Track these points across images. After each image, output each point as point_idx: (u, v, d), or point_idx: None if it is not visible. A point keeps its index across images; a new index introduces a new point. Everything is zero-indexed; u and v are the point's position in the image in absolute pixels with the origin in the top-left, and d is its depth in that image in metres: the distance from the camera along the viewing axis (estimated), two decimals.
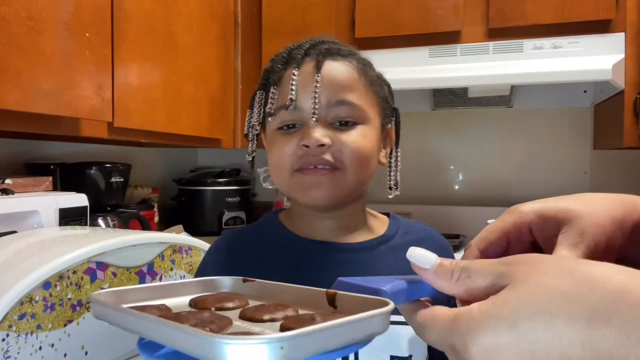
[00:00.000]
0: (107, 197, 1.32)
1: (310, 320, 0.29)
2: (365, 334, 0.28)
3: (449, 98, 1.75)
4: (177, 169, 2.01)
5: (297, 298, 0.36)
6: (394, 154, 0.68)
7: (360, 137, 0.59)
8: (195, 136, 1.45)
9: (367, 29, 1.56)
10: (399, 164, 0.67)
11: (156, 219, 1.64)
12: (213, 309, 0.35)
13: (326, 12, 1.60)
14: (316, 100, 0.57)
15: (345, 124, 0.59)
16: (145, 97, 1.20)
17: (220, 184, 1.85)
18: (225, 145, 1.63)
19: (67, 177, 1.23)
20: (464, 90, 1.63)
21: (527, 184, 1.78)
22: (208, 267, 0.68)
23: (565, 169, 1.75)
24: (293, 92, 0.58)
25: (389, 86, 0.68)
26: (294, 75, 0.59)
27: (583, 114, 1.73)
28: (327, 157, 0.57)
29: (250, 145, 0.65)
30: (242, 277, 0.42)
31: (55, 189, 1.09)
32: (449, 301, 0.32)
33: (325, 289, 0.35)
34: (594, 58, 1.34)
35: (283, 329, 0.30)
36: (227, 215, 1.83)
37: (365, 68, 0.63)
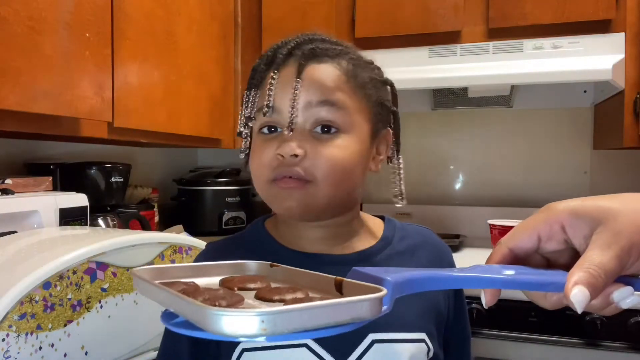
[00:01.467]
0: (107, 197, 1.32)
1: (308, 300, 0.32)
2: (350, 317, 0.30)
3: (449, 98, 1.75)
4: (177, 169, 2.01)
5: (310, 283, 0.39)
6: (395, 161, 0.63)
7: (339, 149, 0.55)
8: (195, 136, 1.44)
9: (367, 29, 1.56)
10: (401, 172, 0.62)
11: (156, 219, 1.64)
12: (236, 288, 0.39)
13: (326, 12, 1.60)
14: (293, 109, 0.54)
15: (327, 131, 0.55)
16: (145, 97, 1.20)
17: (220, 184, 1.85)
18: (225, 145, 1.63)
19: (67, 177, 1.23)
20: (464, 90, 1.63)
21: (527, 184, 1.78)
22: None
23: (565, 169, 1.75)
24: (270, 98, 0.56)
25: (392, 86, 0.63)
26: (273, 78, 0.56)
27: (583, 114, 1.73)
28: (299, 169, 0.54)
29: (243, 143, 0.62)
30: (269, 262, 0.45)
31: (55, 189, 1.09)
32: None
33: (334, 276, 0.37)
34: (594, 58, 1.34)
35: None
36: (227, 215, 1.83)
37: (356, 70, 0.58)
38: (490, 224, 1.49)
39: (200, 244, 0.84)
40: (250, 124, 0.59)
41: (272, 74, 0.57)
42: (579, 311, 0.32)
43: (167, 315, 0.35)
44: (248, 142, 0.61)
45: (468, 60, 1.45)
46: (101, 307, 0.67)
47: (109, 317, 0.68)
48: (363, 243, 0.62)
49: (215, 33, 1.52)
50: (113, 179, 1.32)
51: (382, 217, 0.68)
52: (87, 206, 0.98)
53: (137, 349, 0.74)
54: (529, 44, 1.40)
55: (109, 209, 1.32)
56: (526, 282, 0.35)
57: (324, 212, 0.58)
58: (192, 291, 0.35)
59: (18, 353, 0.57)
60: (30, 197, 0.91)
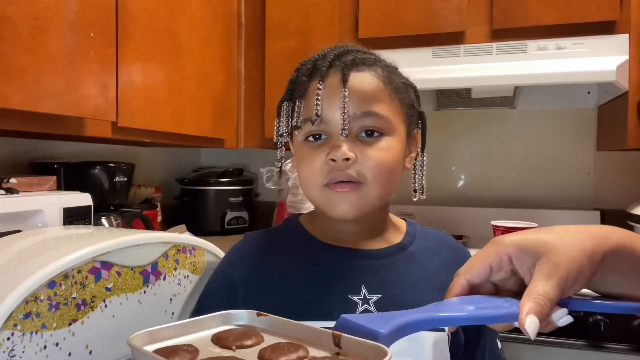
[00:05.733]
0: (111, 197, 1.32)
1: None
2: None
3: (452, 99, 1.75)
4: (180, 168, 2.01)
5: (306, 337, 0.41)
6: (419, 158, 0.68)
7: (384, 152, 0.60)
8: (199, 136, 1.45)
9: (370, 30, 1.56)
10: (424, 167, 0.68)
11: (159, 218, 1.65)
12: (234, 347, 0.40)
13: (329, 13, 1.60)
14: (345, 116, 0.58)
15: (370, 135, 0.60)
16: (149, 97, 1.20)
17: (223, 183, 1.85)
18: (228, 145, 1.63)
19: (70, 176, 1.23)
20: (468, 91, 1.63)
21: (530, 185, 1.78)
22: (229, 268, 0.68)
23: (568, 170, 1.74)
24: (318, 107, 0.59)
25: (415, 89, 0.68)
26: (319, 89, 0.59)
27: (586, 115, 1.73)
28: (351, 171, 0.59)
29: (278, 152, 0.66)
30: (256, 312, 0.46)
31: (59, 188, 1.10)
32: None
33: (331, 331, 0.39)
34: (598, 59, 1.34)
35: None
36: (229, 215, 1.83)
37: (391, 76, 0.63)
38: (493, 225, 1.48)
39: (204, 243, 0.84)
40: (296, 132, 0.63)
41: (318, 85, 0.60)
42: (532, 337, 0.37)
43: None
44: (283, 151, 0.65)
45: (471, 61, 1.45)
46: (105, 306, 0.67)
47: (113, 316, 0.68)
48: (392, 238, 0.67)
49: (219, 33, 1.52)
50: (117, 179, 1.32)
51: (403, 219, 0.72)
52: (91, 205, 0.98)
53: None
54: (532, 45, 1.40)
55: (112, 208, 1.32)
56: (490, 317, 0.41)
57: (372, 211, 0.62)
58: None
59: (23, 352, 0.58)
60: (35, 196, 0.91)
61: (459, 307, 0.42)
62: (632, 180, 1.67)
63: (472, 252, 0.65)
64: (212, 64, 1.49)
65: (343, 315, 0.40)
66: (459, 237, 1.62)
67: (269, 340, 0.41)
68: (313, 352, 0.38)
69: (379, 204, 0.63)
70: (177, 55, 1.31)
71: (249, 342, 0.41)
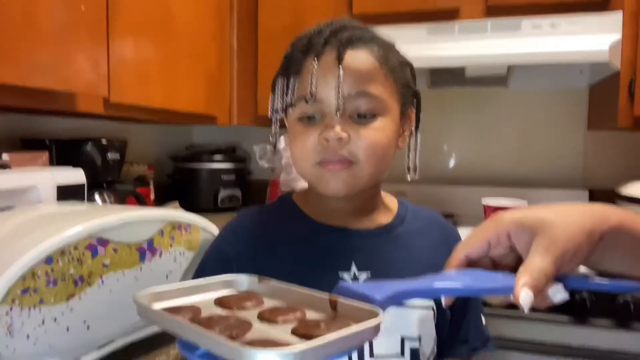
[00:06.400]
0: (103, 174, 1.31)
1: (316, 327, 0.36)
2: (359, 341, 0.35)
3: (445, 77, 1.74)
4: (173, 146, 2.00)
5: (304, 300, 0.42)
6: (413, 137, 0.68)
7: (377, 132, 0.60)
8: (191, 113, 1.44)
9: (365, 5, 1.54)
10: (418, 147, 0.68)
11: (152, 196, 1.64)
12: (235, 307, 0.42)
13: None
14: (340, 96, 0.58)
15: (364, 116, 0.60)
16: (141, 73, 1.19)
17: (215, 161, 1.85)
18: (220, 123, 1.62)
19: (62, 153, 1.22)
20: (461, 69, 1.62)
21: (521, 164, 1.80)
22: (224, 245, 0.69)
23: (559, 150, 1.76)
24: (313, 86, 0.59)
25: (411, 68, 0.67)
26: (314, 67, 0.59)
27: (578, 95, 1.74)
28: (343, 152, 0.59)
29: (273, 128, 0.65)
30: (258, 277, 0.48)
31: (51, 164, 1.09)
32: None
33: (328, 295, 0.41)
34: (591, 38, 1.34)
35: (294, 333, 0.37)
36: (222, 193, 1.83)
37: (387, 54, 0.63)
38: (484, 204, 1.50)
39: (199, 221, 0.84)
40: (290, 110, 0.62)
41: (313, 62, 0.59)
42: (526, 310, 0.38)
43: (185, 345, 0.37)
44: (277, 127, 0.65)
45: (466, 39, 1.44)
46: (102, 282, 0.68)
47: (110, 292, 0.69)
48: (382, 218, 0.68)
49: (211, 7, 1.50)
50: (109, 156, 1.31)
51: (394, 198, 0.73)
52: (84, 182, 0.98)
53: (138, 323, 0.75)
54: (527, 23, 1.39)
55: (105, 185, 1.32)
56: (485, 289, 0.42)
57: (364, 189, 0.63)
58: (205, 322, 0.37)
59: (22, 326, 0.58)
60: (28, 172, 0.91)
61: (456, 279, 0.43)
62: (622, 160, 1.69)
63: (462, 230, 0.66)
64: (204, 39, 1.47)
65: (341, 283, 0.42)
66: (450, 216, 1.64)
67: (269, 303, 0.43)
68: (310, 314, 0.40)
69: (370, 183, 0.63)
70: (169, 30, 1.29)
71: (249, 304, 0.43)
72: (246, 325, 0.38)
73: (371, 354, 0.60)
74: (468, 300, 0.70)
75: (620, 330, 1.14)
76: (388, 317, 0.57)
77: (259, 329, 0.38)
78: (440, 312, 0.65)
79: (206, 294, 0.45)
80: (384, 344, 0.60)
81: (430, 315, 0.64)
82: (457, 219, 1.64)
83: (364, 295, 0.39)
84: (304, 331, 0.36)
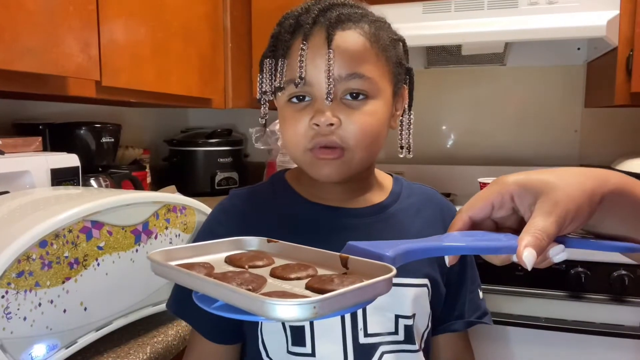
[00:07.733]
0: (98, 158, 1.31)
1: (330, 281, 0.36)
2: (373, 295, 0.35)
3: (442, 56, 1.73)
4: (168, 129, 1.99)
5: (314, 258, 0.42)
6: (406, 115, 0.67)
7: (369, 116, 0.59)
8: (185, 95, 1.42)
9: None
10: (411, 126, 0.67)
11: (148, 179, 1.64)
12: (247, 266, 0.42)
13: None
14: (330, 80, 0.56)
15: (355, 97, 0.59)
16: (133, 55, 1.17)
17: (212, 144, 1.84)
18: (215, 105, 1.60)
19: (56, 137, 1.21)
20: (458, 47, 1.61)
21: (517, 143, 1.79)
22: (215, 225, 0.69)
23: (556, 127, 1.76)
24: (302, 70, 0.57)
25: (404, 43, 0.66)
26: (303, 49, 0.57)
27: (576, 72, 1.72)
28: (335, 137, 0.58)
29: (262, 109, 0.64)
30: (266, 238, 0.48)
31: (44, 149, 1.08)
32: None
33: (339, 253, 0.41)
34: (589, 14, 1.32)
35: (308, 288, 0.37)
36: (219, 176, 1.83)
37: (378, 33, 0.61)
38: (480, 183, 1.50)
39: (194, 203, 0.85)
40: (279, 94, 0.61)
41: (301, 45, 0.57)
42: (529, 268, 0.39)
43: (201, 298, 0.37)
44: (267, 108, 0.63)
45: (462, 17, 1.42)
46: (98, 264, 0.68)
47: (106, 274, 0.69)
48: (376, 197, 0.67)
49: None
50: (103, 139, 1.30)
51: (390, 175, 0.72)
52: (78, 166, 0.97)
53: (135, 304, 0.75)
54: None
55: (100, 170, 1.31)
56: (489, 248, 0.43)
57: (357, 174, 0.63)
58: (222, 276, 0.37)
59: (18, 309, 0.59)
60: (22, 157, 0.90)
61: (460, 239, 0.44)
62: (618, 137, 1.69)
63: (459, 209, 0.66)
64: (197, 20, 1.45)
65: (350, 242, 0.42)
66: (447, 195, 1.64)
67: (279, 262, 0.43)
68: (322, 271, 0.40)
69: (363, 167, 0.63)
70: (161, 11, 1.27)
71: (260, 263, 0.43)
72: (262, 279, 0.38)
73: (365, 334, 0.60)
74: (463, 274, 0.71)
75: (614, 305, 1.16)
76: (383, 297, 0.58)
77: (274, 284, 0.38)
78: (435, 289, 0.65)
79: (216, 255, 0.45)
80: (379, 323, 0.61)
81: (424, 292, 0.64)
82: (454, 198, 1.64)
83: (374, 252, 0.39)
84: (319, 286, 0.36)
